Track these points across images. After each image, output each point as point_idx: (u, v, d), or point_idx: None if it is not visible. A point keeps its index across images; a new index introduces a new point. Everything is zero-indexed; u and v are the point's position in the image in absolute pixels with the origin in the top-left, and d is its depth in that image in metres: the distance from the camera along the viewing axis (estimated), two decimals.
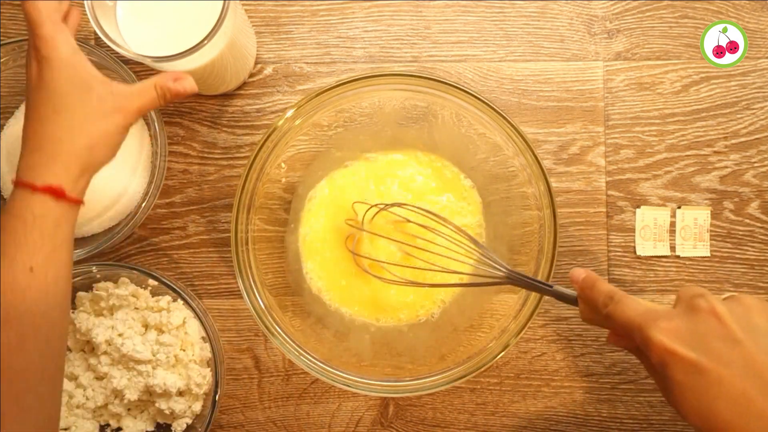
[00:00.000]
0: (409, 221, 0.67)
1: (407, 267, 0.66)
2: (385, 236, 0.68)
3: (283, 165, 0.69)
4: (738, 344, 0.44)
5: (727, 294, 0.50)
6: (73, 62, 0.52)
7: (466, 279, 0.67)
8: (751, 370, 0.43)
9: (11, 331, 0.48)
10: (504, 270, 0.59)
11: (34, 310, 0.49)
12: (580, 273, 0.54)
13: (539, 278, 0.64)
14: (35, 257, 0.49)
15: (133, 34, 0.62)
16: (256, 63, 0.73)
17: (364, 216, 0.67)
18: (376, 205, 0.67)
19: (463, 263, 0.64)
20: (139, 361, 0.67)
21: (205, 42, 0.58)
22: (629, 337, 0.50)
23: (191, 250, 0.73)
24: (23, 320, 0.48)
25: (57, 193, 0.50)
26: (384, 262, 0.66)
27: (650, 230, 0.72)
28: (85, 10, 0.57)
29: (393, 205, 0.67)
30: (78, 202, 0.52)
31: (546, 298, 0.63)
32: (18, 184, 0.51)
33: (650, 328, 0.46)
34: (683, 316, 0.46)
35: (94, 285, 0.71)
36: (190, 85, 0.56)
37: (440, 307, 0.70)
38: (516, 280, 0.59)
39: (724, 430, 0.43)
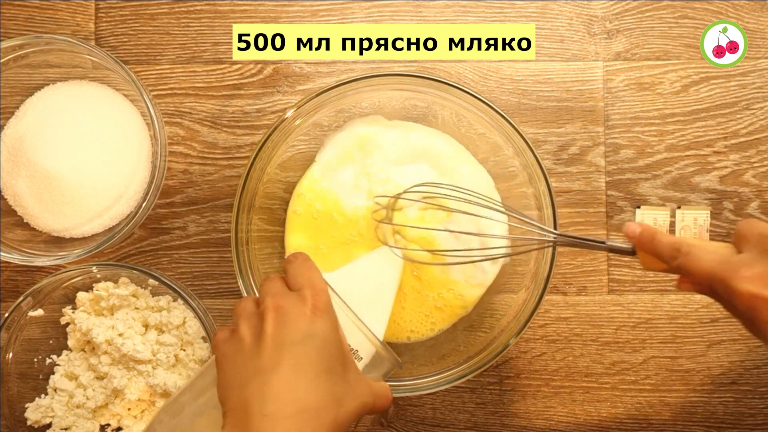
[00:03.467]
0: (436, 206, 0.65)
1: (446, 254, 0.65)
2: (417, 226, 0.66)
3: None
4: None
5: None
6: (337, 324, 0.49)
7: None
8: None
9: None
10: (553, 233, 0.58)
11: None
12: (635, 228, 0.52)
13: (539, 278, 0.64)
14: None
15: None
16: (257, 63, 0.74)
17: (391, 210, 0.66)
18: (398, 195, 0.65)
19: (500, 236, 0.63)
20: (139, 361, 0.67)
21: None
22: (705, 284, 0.49)
23: (191, 250, 0.73)
24: None
25: None
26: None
27: None
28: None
29: (415, 188, 0.65)
30: None
31: (545, 298, 0.63)
32: None
33: (733, 279, 0.45)
34: (762, 260, 0.46)
35: (94, 285, 0.71)
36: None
37: (440, 329, 0.70)
38: (566, 240, 0.57)
39: None
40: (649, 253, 0.52)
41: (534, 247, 0.59)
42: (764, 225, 0.48)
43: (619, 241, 0.55)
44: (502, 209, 0.63)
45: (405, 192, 0.65)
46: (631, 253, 0.53)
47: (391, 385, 0.63)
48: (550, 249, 0.62)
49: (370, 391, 0.49)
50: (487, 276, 0.68)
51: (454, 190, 0.63)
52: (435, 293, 0.67)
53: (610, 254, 0.54)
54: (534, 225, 0.59)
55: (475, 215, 0.63)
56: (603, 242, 0.55)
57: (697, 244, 0.50)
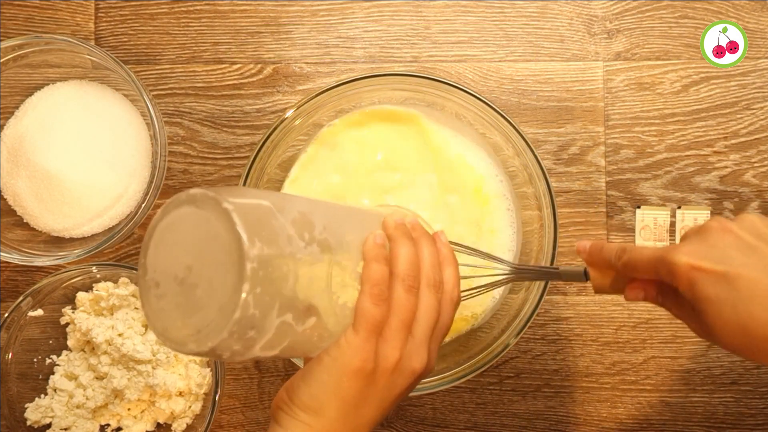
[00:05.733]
0: None
1: None
2: None
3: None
4: (755, 250, 0.46)
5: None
6: None
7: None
8: None
9: None
10: (508, 266, 0.58)
11: None
12: (585, 244, 0.53)
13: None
14: None
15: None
16: (257, 63, 0.74)
17: None
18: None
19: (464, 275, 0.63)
20: (139, 361, 0.67)
21: None
22: (649, 283, 0.50)
23: None
24: None
25: None
26: None
27: (650, 230, 0.72)
28: None
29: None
30: None
31: (545, 298, 0.63)
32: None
33: (671, 253, 0.47)
34: (699, 239, 0.47)
35: (94, 285, 0.71)
36: None
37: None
38: (522, 273, 0.58)
39: (765, 333, 0.44)
40: (598, 261, 0.52)
41: (493, 284, 0.59)
42: (707, 210, 0.48)
43: (571, 267, 0.55)
44: (464, 246, 0.61)
45: None
46: (583, 277, 0.54)
47: None
48: (551, 247, 0.63)
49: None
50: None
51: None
52: None
53: (566, 283, 0.55)
54: (491, 258, 0.59)
55: None
56: (556, 269, 0.56)
57: (641, 245, 0.52)
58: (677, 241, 0.72)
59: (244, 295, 0.38)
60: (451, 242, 0.54)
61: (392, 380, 0.47)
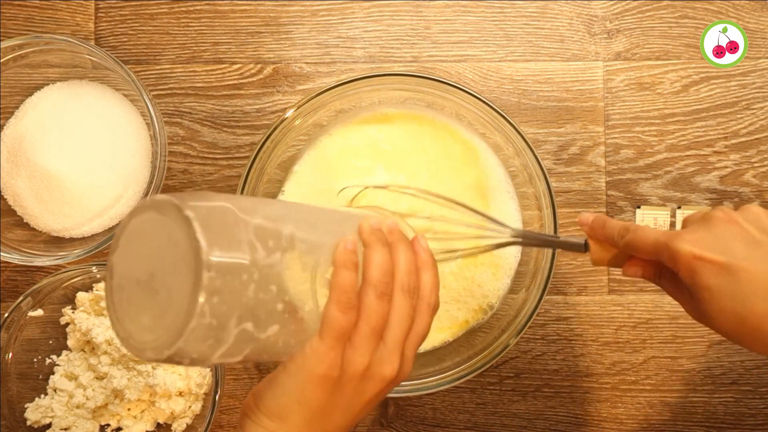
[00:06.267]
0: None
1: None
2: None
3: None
4: (759, 243, 0.46)
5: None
6: None
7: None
8: None
9: None
10: (510, 230, 0.58)
11: None
12: (588, 216, 0.54)
13: (540, 279, 0.64)
14: None
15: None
16: (257, 63, 0.73)
17: (352, 200, 0.66)
18: (366, 187, 0.66)
19: (465, 235, 0.63)
20: (139, 361, 0.67)
21: None
22: (649, 263, 0.50)
23: None
24: None
25: None
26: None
27: None
28: None
29: (380, 187, 0.66)
30: None
31: (545, 298, 0.63)
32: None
33: (675, 240, 0.47)
34: (704, 228, 0.48)
35: (94, 285, 0.71)
36: None
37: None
38: (522, 237, 0.58)
39: (761, 325, 0.45)
40: (600, 236, 0.53)
41: (493, 245, 0.59)
42: (707, 208, 0.48)
43: (572, 237, 0.55)
44: (464, 205, 0.61)
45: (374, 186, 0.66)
46: (582, 248, 0.54)
47: None
48: (551, 249, 0.63)
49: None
50: None
51: (410, 193, 0.65)
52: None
53: (566, 252, 0.55)
54: (492, 221, 0.59)
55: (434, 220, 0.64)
56: (557, 237, 0.56)
57: (646, 226, 0.52)
58: None
59: (199, 303, 0.38)
60: (452, 200, 0.54)
61: (361, 387, 0.47)
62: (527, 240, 0.59)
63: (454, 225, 0.61)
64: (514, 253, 0.69)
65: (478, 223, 0.59)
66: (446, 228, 0.63)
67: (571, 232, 0.73)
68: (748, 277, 0.45)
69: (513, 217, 0.68)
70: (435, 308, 0.51)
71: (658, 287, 0.51)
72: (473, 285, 0.68)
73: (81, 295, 0.70)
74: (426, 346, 0.68)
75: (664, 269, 0.50)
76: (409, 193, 0.65)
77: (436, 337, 0.68)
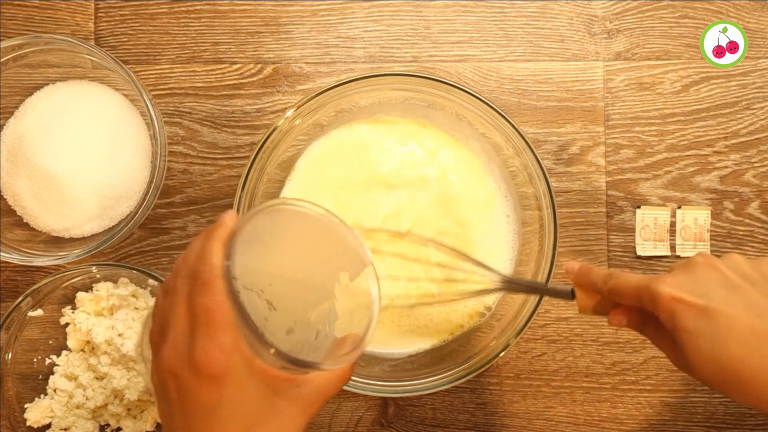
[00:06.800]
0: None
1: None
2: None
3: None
4: (738, 289, 0.47)
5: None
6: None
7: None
8: (754, 310, 0.46)
9: None
10: (498, 277, 0.59)
11: None
12: (574, 264, 0.55)
13: (540, 278, 0.64)
14: None
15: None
16: (257, 63, 0.73)
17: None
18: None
19: (454, 281, 0.64)
20: (138, 362, 0.67)
21: None
22: (632, 310, 0.51)
23: None
24: None
25: None
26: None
27: (650, 230, 0.72)
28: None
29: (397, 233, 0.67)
30: None
31: (546, 298, 0.63)
32: None
33: (656, 283, 0.48)
34: (685, 272, 0.49)
35: (94, 285, 0.71)
36: None
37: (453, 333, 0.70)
38: (510, 284, 0.60)
39: (739, 370, 0.45)
40: (585, 283, 0.54)
41: (481, 291, 0.60)
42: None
43: (560, 285, 0.56)
44: (464, 254, 0.62)
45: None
46: (570, 296, 0.54)
47: (391, 386, 0.63)
48: (551, 247, 0.63)
49: (310, 401, 0.46)
50: None
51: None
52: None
53: (552, 299, 0.56)
54: (482, 267, 0.60)
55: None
56: (544, 285, 0.58)
57: (627, 272, 0.53)
58: (677, 240, 0.72)
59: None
60: (446, 246, 0.55)
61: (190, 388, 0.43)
62: (515, 286, 0.61)
63: (451, 271, 0.63)
64: (509, 257, 0.69)
65: (470, 268, 0.60)
66: (442, 275, 0.64)
67: (571, 231, 0.73)
68: (726, 320, 0.45)
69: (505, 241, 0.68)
70: (208, 283, 0.43)
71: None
72: None
73: (81, 295, 0.70)
74: (425, 346, 0.69)
75: (648, 318, 0.50)
76: (427, 245, 0.66)
77: (433, 339, 0.68)
